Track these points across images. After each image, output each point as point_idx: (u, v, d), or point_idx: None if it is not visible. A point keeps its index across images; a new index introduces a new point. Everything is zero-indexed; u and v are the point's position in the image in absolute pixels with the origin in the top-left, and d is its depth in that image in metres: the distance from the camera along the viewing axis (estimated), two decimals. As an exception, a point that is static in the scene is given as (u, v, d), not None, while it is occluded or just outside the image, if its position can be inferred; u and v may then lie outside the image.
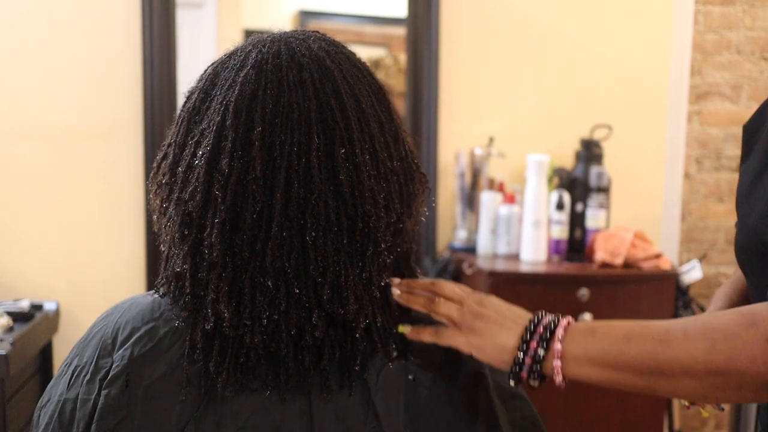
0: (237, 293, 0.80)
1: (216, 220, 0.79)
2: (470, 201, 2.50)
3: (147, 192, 2.30)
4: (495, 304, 0.91)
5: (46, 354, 2.29)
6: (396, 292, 0.89)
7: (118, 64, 2.36)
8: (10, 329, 2.07)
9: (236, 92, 0.81)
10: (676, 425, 2.38)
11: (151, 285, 2.33)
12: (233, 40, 0.91)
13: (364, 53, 0.91)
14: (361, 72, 0.87)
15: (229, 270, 0.80)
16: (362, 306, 0.83)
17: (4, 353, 1.85)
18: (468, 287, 0.93)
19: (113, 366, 0.83)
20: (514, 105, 2.61)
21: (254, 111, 0.80)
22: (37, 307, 2.25)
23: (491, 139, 2.51)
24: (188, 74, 2.45)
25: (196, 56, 2.57)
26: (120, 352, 0.83)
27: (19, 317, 2.15)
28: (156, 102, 2.35)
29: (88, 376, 0.83)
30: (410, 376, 0.87)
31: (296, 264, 0.79)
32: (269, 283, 0.79)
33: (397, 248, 0.87)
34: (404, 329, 0.88)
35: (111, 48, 2.36)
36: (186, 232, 0.81)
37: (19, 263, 2.35)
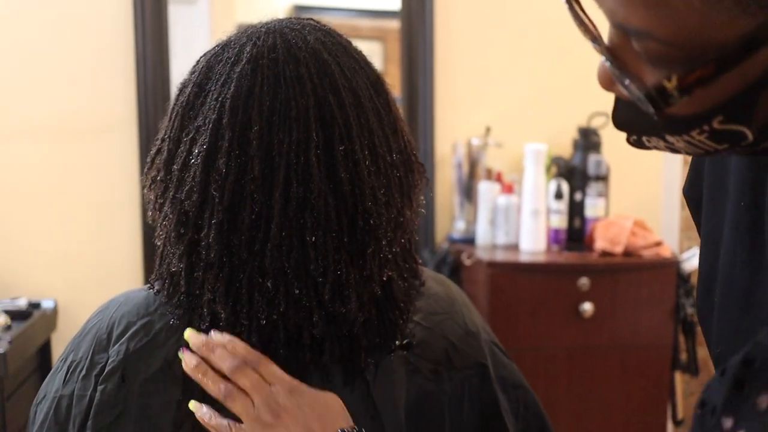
0: (234, 293, 0.79)
1: (213, 221, 0.77)
2: (468, 191, 2.48)
3: (142, 187, 2.32)
4: (303, 405, 0.77)
5: (44, 352, 2.28)
6: (187, 363, 0.79)
7: (110, 61, 2.34)
8: (8, 327, 2.06)
9: (232, 89, 0.79)
10: (680, 414, 2.37)
11: (148, 281, 2.30)
12: (227, 33, 0.88)
13: (360, 47, 0.89)
14: (359, 63, 0.85)
15: (226, 270, 0.78)
16: (363, 303, 0.82)
17: (3, 352, 1.84)
18: (278, 374, 0.79)
19: (109, 361, 0.82)
20: (510, 94, 2.60)
21: (251, 108, 0.78)
22: (34, 305, 2.24)
23: (488, 129, 2.50)
24: (181, 69, 2.41)
25: (189, 51, 2.55)
26: (116, 347, 0.82)
27: (16, 315, 2.14)
28: (150, 98, 2.33)
29: (83, 372, 0.82)
30: (410, 368, 0.86)
31: (296, 264, 0.78)
32: (268, 284, 0.78)
33: (399, 241, 0.86)
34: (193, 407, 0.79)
35: (103, 44, 2.33)
36: (182, 231, 0.80)
37: (16, 261, 2.33)
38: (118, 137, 2.36)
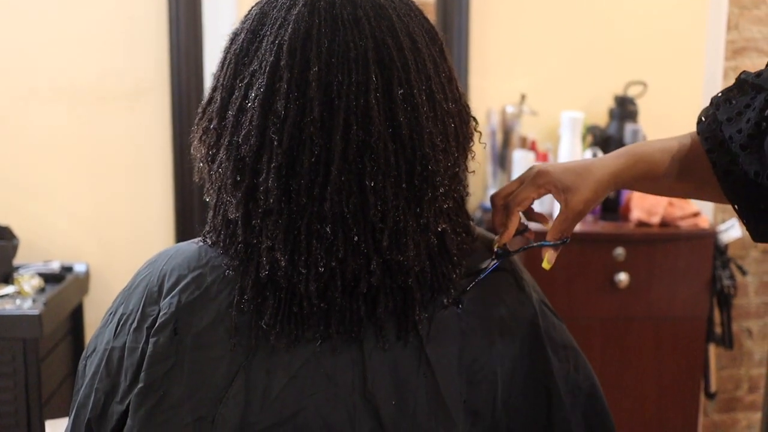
0: (292, 240, 0.77)
1: (272, 165, 0.76)
2: (502, 160, 2.45)
3: (176, 150, 2.32)
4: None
5: (77, 315, 2.29)
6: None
7: (144, 25, 2.32)
8: (41, 290, 2.07)
9: (289, 31, 0.77)
10: (713, 387, 2.35)
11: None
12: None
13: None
14: (413, 11, 0.84)
15: (285, 216, 0.77)
16: (419, 252, 0.80)
17: (38, 313, 1.85)
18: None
19: (160, 314, 0.81)
20: (546, 61, 2.56)
21: (309, 50, 0.76)
22: (67, 269, 2.25)
23: (523, 97, 2.46)
24: (214, 33, 2.42)
25: (222, 15, 2.53)
26: (167, 299, 0.81)
27: (50, 278, 2.15)
28: (182, 61, 2.32)
29: (134, 324, 0.81)
30: (463, 325, 0.84)
31: (355, 209, 0.76)
32: (327, 229, 0.76)
33: (453, 193, 0.84)
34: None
35: (136, 8, 2.32)
36: (239, 178, 0.78)
37: (49, 224, 2.34)
38: (151, 101, 2.35)
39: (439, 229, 0.83)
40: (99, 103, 2.32)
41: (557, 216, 0.91)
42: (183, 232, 2.36)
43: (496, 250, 0.89)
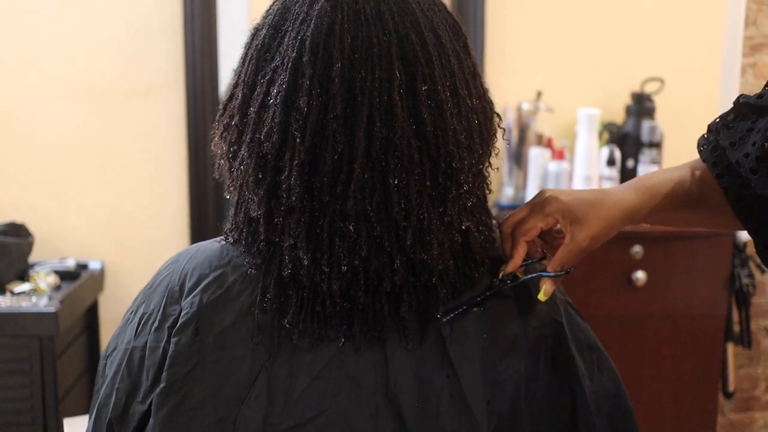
0: (315, 238, 0.76)
1: (295, 162, 0.74)
2: (517, 158, 2.44)
3: (191, 147, 2.32)
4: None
5: (92, 313, 2.29)
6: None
7: (158, 22, 2.32)
8: (57, 288, 2.07)
9: (312, 26, 0.76)
10: (731, 387, 2.33)
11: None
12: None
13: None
14: (437, 5, 0.83)
15: (308, 214, 0.76)
16: (443, 251, 0.79)
17: (54, 311, 1.85)
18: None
19: (182, 313, 0.80)
20: (562, 58, 2.53)
21: (332, 46, 0.75)
22: (82, 266, 2.25)
23: (539, 93, 2.44)
24: (229, 30, 2.41)
25: (237, 12, 2.53)
26: (188, 299, 0.80)
27: (65, 276, 2.15)
28: (197, 58, 2.31)
29: (156, 324, 0.81)
30: (486, 324, 0.83)
31: (378, 207, 0.75)
32: (350, 227, 0.75)
33: (477, 192, 0.83)
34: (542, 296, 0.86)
35: (151, 5, 2.31)
36: (261, 176, 0.77)
37: (64, 222, 2.34)
38: (166, 98, 2.34)
39: (463, 227, 0.82)
40: (114, 101, 2.32)
41: (561, 247, 0.87)
42: (197, 230, 2.36)
43: (501, 276, 0.86)
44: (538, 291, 0.87)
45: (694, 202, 0.89)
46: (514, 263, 0.86)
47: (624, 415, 0.90)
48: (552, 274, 0.86)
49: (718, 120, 0.87)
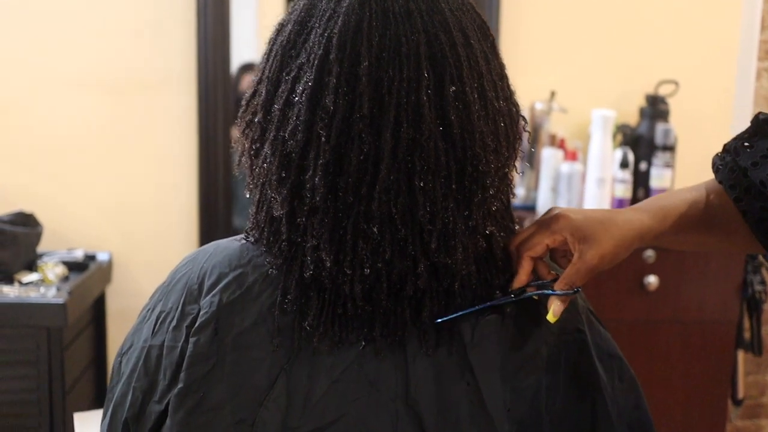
0: (338, 240, 0.75)
1: (319, 161, 0.73)
2: (530, 158, 2.42)
3: (201, 140, 2.31)
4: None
5: (99, 304, 2.29)
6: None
7: (170, 14, 2.31)
8: (65, 278, 2.06)
9: (339, 23, 0.74)
10: (740, 394, 2.31)
11: (204, 237, 2.30)
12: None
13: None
14: (465, 4, 0.81)
15: (331, 215, 0.74)
16: (467, 256, 0.78)
17: (63, 302, 1.84)
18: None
19: (201, 313, 0.79)
20: (576, 58, 2.52)
21: (360, 44, 0.73)
22: (90, 257, 2.24)
23: (553, 94, 2.42)
24: (242, 24, 2.40)
25: (248, 4, 2.52)
26: (207, 298, 0.79)
27: (73, 267, 2.15)
28: (210, 52, 2.30)
29: (174, 323, 0.80)
30: (507, 332, 0.82)
31: (403, 210, 0.73)
32: (374, 229, 0.73)
33: (501, 196, 0.82)
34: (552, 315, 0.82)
35: (164, -5, 2.31)
36: (284, 175, 0.75)
37: (73, 213, 2.33)
38: (178, 91, 2.33)
39: (487, 232, 0.80)
40: (124, 93, 2.31)
41: (569, 266, 0.83)
42: (207, 223, 2.35)
43: (509, 292, 0.83)
44: (547, 312, 0.84)
45: (707, 224, 0.87)
46: (519, 280, 0.83)
47: (644, 424, 0.89)
48: (559, 292, 0.83)
49: (734, 140, 0.85)
